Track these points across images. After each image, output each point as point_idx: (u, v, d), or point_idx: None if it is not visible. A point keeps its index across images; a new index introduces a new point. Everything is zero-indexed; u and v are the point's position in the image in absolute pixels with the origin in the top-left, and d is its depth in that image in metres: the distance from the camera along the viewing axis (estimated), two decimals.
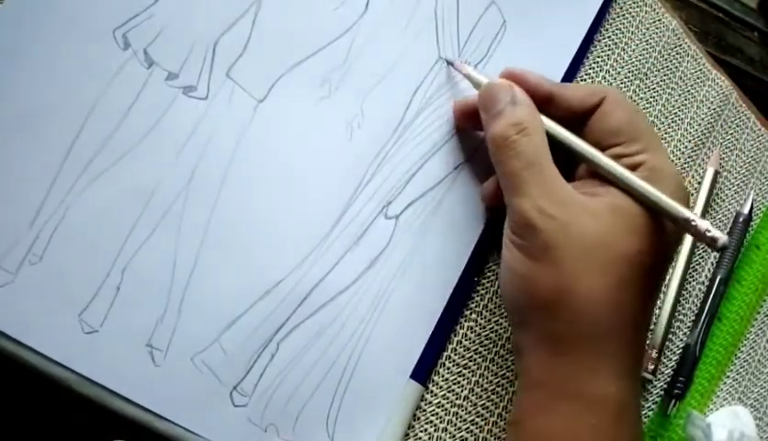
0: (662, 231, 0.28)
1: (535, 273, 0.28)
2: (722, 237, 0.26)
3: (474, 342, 0.35)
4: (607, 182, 0.29)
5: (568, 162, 0.30)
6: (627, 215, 0.27)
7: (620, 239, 0.27)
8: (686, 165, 0.43)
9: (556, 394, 0.27)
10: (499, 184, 0.31)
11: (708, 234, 0.26)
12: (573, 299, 0.27)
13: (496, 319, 0.36)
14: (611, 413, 0.27)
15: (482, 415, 0.35)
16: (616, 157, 0.29)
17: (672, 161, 0.43)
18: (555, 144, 0.30)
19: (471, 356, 0.35)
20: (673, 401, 0.40)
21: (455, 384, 0.34)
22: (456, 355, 0.34)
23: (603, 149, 0.30)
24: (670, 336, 0.41)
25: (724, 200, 0.44)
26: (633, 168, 0.29)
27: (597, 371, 0.27)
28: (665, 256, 0.29)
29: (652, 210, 0.28)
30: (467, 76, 0.34)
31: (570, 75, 0.38)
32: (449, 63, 0.35)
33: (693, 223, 0.26)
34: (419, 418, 0.33)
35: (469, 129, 0.35)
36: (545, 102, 0.31)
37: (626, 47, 0.41)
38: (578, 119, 0.31)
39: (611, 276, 0.27)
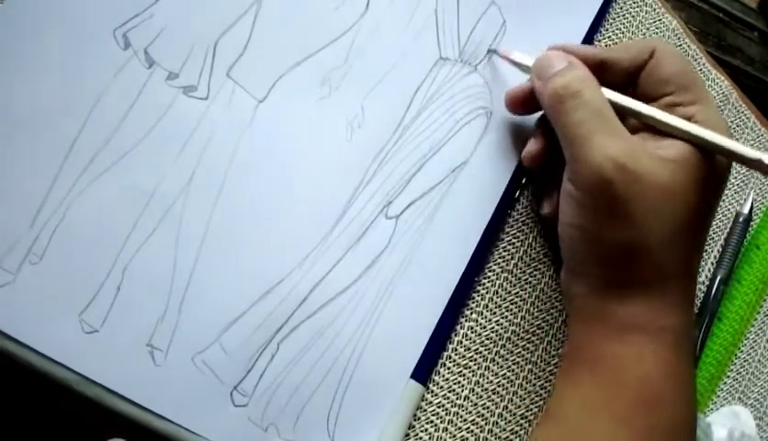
0: (717, 177, 0.29)
1: (604, 229, 0.28)
2: None
3: (475, 342, 0.35)
4: (667, 135, 0.29)
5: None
6: (694, 166, 0.28)
7: (687, 190, 0.28)
8: None
9: (618, 328, 0.29)
10: (543, 144, 0.32)
11: None
12: (643, 251, 0.28)
13: (497, 319, 0.36)
14: (671, 342, 0.29)
15: (483, 415, 0.35)
16: (670, 106, 0.30)
17: None
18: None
19: (472, 356, 0.35)
20: None
21: (455, 384, 0.34)
22: (456, 354, 0.34)
23: (655, 98, 0.30)
24: None
25: (724, 200, 0.44)
26: (687, 117, 0.29)
27: (660, 309, 0.29)
28: (717, 201, 0.31)
29: (711, 157, 0.28)
30: (512, 62, 0.34)
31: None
32: (493, 51, 0.35)
33: (765, 163, 0.27)
34: (419, 418, 0.33)
35: (523, 114, 0.35)
36: (598, 70, 0.31)
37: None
38: (633, 76, 0.32)
39: (678, 224, 0.28)
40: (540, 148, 0.34)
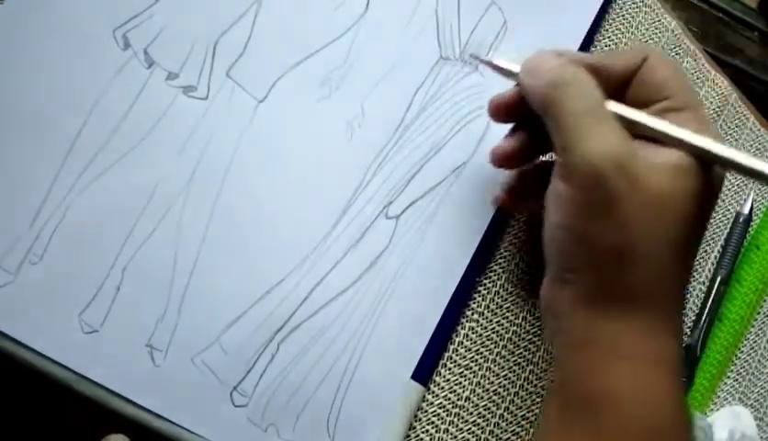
0: (712, 188, 0.28)
1: (593, 229, 0.26)
2: None
3: (476, 342, 0.35)
4: (661, 143, 0.28)
5: None
6: (691, 175, 0.27)
7: (682, 200, 0.27)
8: None
9: (609, 355, 0.27)
10: (520, 144, 0.31)
11: None
12: (631, 258, 0.26)
13: (498, 319, 0.36)
14: (668, 372, 0.27)
15: (484, 416, 0.35)
16: (663, 111, 0.29)
17: None
18: None
19: (473, 357, 0.35)
20: None
21: (456, 385, 0.34)
22: (457, 355, 0.34)
23: (647, 105, 0.30)
24: None
25: (724, 200, 0.44)
26: (680, 124, 0.28)
27: (651, 331, 0.27)
28: (712, 211, 0.30)
29: (708, 166, 0.27)
30: (496, 68, 0.33)
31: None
32: (475, 57, 0.34)
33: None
34: (420, 419, 0.33)
35: (506, 122, 0.33)
36: (600, 73, 0.30)
37: (626, 47, 0.41)
38: (625, 83, 0.30)
39: (670, 236, 0.26)
40: (515, 147, 0.32)
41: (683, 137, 0.28)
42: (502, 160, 0.33)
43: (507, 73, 0.32)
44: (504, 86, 0.32)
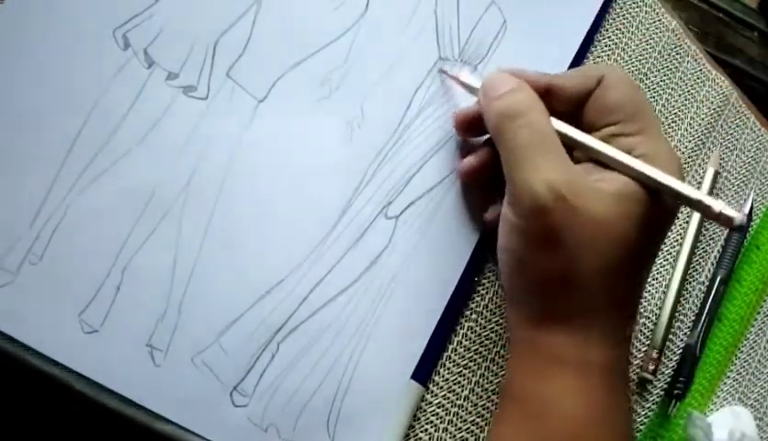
0: (660, 215, 0.28)
1: (537, 258, 0.27)
2: (737, 216, 0.26)
3: (474, 342, 0.35)
4: (609, 168, 0.28)
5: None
6: (634, 201, 0.27)
7: (625, 225, 0.27)
8: (686, 165, 0.43)
9: (546, 362, 0.28)
10: (484, 161, 0.32)
11: (723, 215, 0.26)
12: (574, 283, 0.27)
13: (496, 319, 0.36)
14: (599, 378, 0.28)
15: (483, 415, 0.35)
16: (613, 135, 0.29)
17: None
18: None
19: (472, 357, 0.35)
20: (674, 402, 0.40)
21: (455, 384, 0.34)
22: (456, 355, 0.34)
23: (600, 128, 0.30)
24: (670, 336, 0.41)
25: (724, 200, 0.44)
26: (629, 150, 0.28)
27: (589, 343, 0.28)
28: (662, 236, 0.30)
29: (656, 194, 0.27)
30: (460, 83, 0.33)
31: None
32: (442, 72, 0.34)
33: (706, 205, 0.26)
34: (419, 418, 0.33)
35: (470, 137, 0.35)
36: (544, 96, 0.30)
37: (626, 47, 0.41)
38: (580, 103, 0.31)
39: (613, 259, 0.27)
40: (479, 164, 0.33)
41: (624, 161, 0.28)
42: (467, 176, 0.34)
43: (470, 89, 0.33)
44: None
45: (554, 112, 0.30)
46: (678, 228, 0.43)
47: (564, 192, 0.26)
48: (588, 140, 0.29)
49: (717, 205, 0.26)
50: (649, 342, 0.40)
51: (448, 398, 0.34)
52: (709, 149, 0.44)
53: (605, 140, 0.29)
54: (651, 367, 0.39)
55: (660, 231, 0.30)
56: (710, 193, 0.43)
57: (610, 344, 0.28)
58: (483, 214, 0.35)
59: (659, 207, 0.28)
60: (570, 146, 0.29)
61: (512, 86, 0.29)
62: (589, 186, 0.27)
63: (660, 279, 0.41)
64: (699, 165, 0.44)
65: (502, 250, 0.29)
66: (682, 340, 0.42)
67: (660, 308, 0.41)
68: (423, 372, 0.33)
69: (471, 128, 0.33)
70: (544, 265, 0.27)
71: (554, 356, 0.28)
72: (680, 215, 0.43)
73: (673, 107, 0.43)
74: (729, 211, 0.26)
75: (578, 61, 0.39)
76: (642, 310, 0.40)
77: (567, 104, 0.30)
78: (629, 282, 0.29)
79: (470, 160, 0.33)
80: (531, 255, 0.28)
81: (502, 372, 0.35)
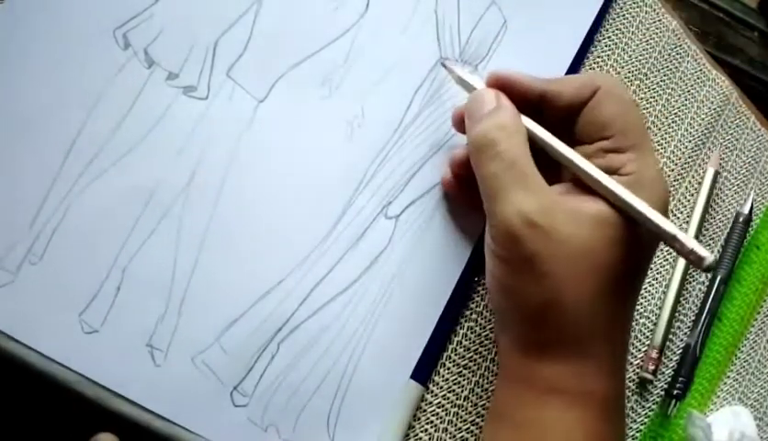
0: (644, 238, 0.28)
1: (519, 285, 0.27)
2: (708, 257, 0.25)
3: (474, 342, 0.35)
4: (590, 189, 0.28)
5: (551, 165, 0.29)
6: (611, 225, 0.27)
7: (603, 249, 0.26)
8: (686, 165, 0.43)
9: (542, 390, 0.28)
10: (458, 170, 0.32)
11: (694, 254, 0.25)
12: (558, 310, 0.27)
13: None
14: (597, 408, 0.27)
15: (483, 415, 0.35)
16: (603, 151, 0.29)
17: (673, 161, 0.43)
18: (538, 149, 0.28)
19: (472, 357, 0.35)
20: (674, 402, 0.40)
21: (455, 384, 0.34)
22: (456, 355, 0.34)
23: (590, 142, 0.29)
24: (670, 336, 0.41)
25: (724, 200, 0.44)
26: (617, 168, 0.28)
27: (582, 372, 0.27)
28: (646, 262, 0.29)
29: (635, 221, 0.27)
30: (459, 80, 0.33)
31: (570, 75, 0.38)
32: (443, 65, 0.34)
33: (678, 240, 0.25)
34: (419, 418, 0.33)
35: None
36: (538, 102, 0.30)
37: (626, 47, 0.41)
38: (574, 113, 0.30)
39: (594, 284, 0.26)
40: (455, 178, 0.33)
41: (603, 183, 0.27)
42: (448, 186, 0.34)
43: (468, 88, 0.32)
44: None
45: (547, 119, 0.29)
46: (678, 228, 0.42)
47: (536, 218, 0.26)
48: (570, 156, 0.28)
49: (690, 243, 0.25)
50: (649, 342, 0.40)
51: (448, 398, 0.34)
52: (709, 149, 0.44)
53: (595, 154, 0.29)
54: (651, 367, 0.39)
55: (646, 255, 0.29)
56: (710, 193, 0.43)
57: (606, 373, 0.28)
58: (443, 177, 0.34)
59: (641, 230, 0.27)
60: (557, 161, 0.29)
61: (491, 107, 0.29)
62: (566, 210, 0.27)
63: (660, 279, 0.41)
64: (699, 165, 0.44)
65: (488, 272, 0.29)
66: (682, 340, 0.42)
67: (660, 308, 0.41)
68: (423, 372, 0.33)
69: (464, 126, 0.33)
70: (527, 291, 0.27)
71: (550, 385, 0.27)
72: (679, 215, 0.43)
73: (673, 107, 0.43)
74: (701, 251, 0.25)
75: (578, 61, 0.39)
76: (642, 310, 0.40)
77: (560, 112, 0.30)
78: (618, 308, 0.28)
79: (447, 172, 0.33)
80: (513, 282, 0.27)
81: None
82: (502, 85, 0.30)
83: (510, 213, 0.26)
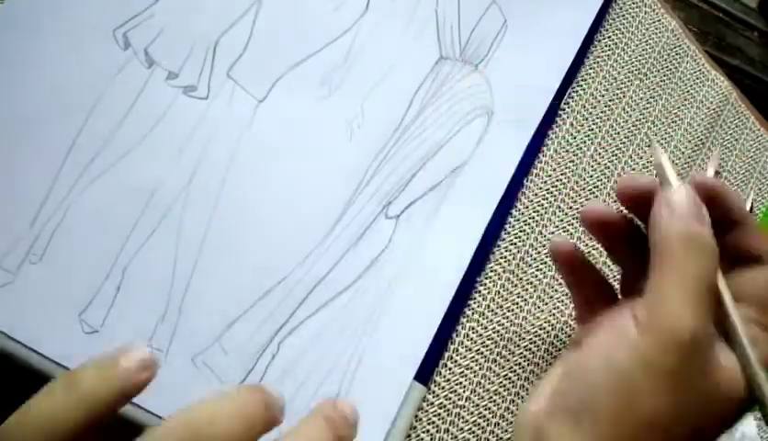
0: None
1: (650, 393, 0.25)
2: None
3: (476, 342, 0.35)
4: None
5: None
6: (735, 393, 0.25)
7: (725, 414, 0.26)
8: (686, 165, 0.43)
9: None
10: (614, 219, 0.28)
11: None
12: (666, 437, 0.25)
13: (498, 319, 0.36)
14: None
15: (484, 416, 0.35)
16: (747, 317, 0.27)
17: (672, 161, 0.43)
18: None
19: (473, 357, 0.35)
20: None
21: (457, 385, 0.34)
22: (458, 355, 0.34)
23: (738, 298, 0.27)
24: None
25: None
26: (755, 340, 0.26)
27: None
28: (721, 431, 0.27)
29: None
30: (658, 167, 0.28)
31: (570, 75, 0.38)
32: (653, 144, 0.31)
33: None
34: (421, 419, 0.33)
35: (599, 238, 0.30)
36: (731, 225, 0.28)
37: (626, 47, 0.41)
38: (750, 259, 0.28)
39: (710, 437, 0.26)
40: (614, 223, 0.29)
41: (752, 363, 0.25)
42: (588, 220, 0.29)
43: (662, 179, 0.28)
44: (504, 85, 0.32)
45: (731, 245, 0.27)
46: None
47: (703, 345, 0.24)
48: (743, 340, 0.26)
49: None
50: None
51: (450, 398, 0.34)
52: (709, 149, 0.44)
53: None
54: None
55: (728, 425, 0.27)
56: None
57: None
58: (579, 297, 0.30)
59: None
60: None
61: (700, 215, 0.26)
62: (716, 355, 0.25)
63: None
64: (699, 165, 0.44)
65: (604, 364, 0.25)
66: None
67: None
68: (425, 372, 0.33)
69: (635, 200, 0.28)
70: (657, 406, 0.24)
71: None
72: None
73: (673, 107, 0.43)
74: None
75: (578, 61, 0.39)
76: None
77: (722, 219, 0.28)
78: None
79: (565, 243, 0.29)
80: (646, 388, 0.24)
81: (504, 373, 0.35)
82: (712, 193, 0.28)
83: (686, 322, 0.24)
